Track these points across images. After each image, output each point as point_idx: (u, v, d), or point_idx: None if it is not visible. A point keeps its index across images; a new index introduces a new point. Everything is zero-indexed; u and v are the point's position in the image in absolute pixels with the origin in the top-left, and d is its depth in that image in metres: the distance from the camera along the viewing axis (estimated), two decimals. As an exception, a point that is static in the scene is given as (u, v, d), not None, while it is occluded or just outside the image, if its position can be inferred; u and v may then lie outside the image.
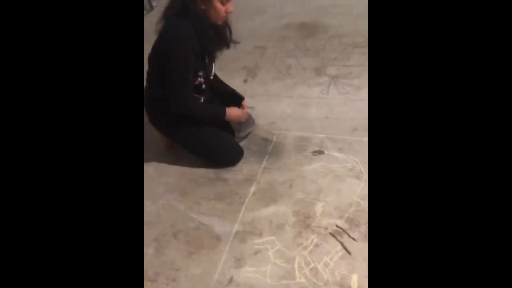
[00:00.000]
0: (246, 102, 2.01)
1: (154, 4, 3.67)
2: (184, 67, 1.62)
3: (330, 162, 1.83)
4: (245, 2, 3.46)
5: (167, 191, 1.82)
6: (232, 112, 1.84)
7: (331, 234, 1.49)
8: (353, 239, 1.46)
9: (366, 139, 1.93)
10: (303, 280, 1.36)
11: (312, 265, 1.40)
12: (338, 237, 1.47)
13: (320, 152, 1.89)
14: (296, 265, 1.41)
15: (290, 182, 1.76)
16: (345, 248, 1.43)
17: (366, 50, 2.69)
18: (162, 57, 1.65)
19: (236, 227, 1.60)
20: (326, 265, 1.39)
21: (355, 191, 1.66)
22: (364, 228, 1.49)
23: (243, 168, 1.88)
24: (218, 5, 1.55)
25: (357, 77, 2.43)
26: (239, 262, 1.46)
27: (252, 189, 1.76)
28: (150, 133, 2.02)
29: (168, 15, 1.62)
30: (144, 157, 1.86)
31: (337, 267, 1.37)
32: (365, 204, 1.59)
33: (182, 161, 1.94)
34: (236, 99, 1.99)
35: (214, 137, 1.86)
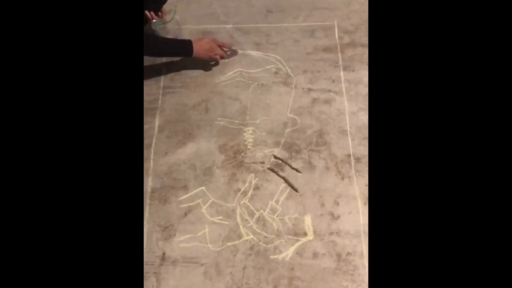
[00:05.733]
0: None
1: None
2: None
3: (249, 66, 1.43)
4: None
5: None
6: (203, 45, 1.36)
7: (270, 169, 1.24)
8: (297, 170, 1.23)
9: (285, 24, 1.52)
10: (251, 236, 1.14)
11: (257, 214, 1.17)
12: (280, 172, 1.23)
13: (233, 52, 1.45)
14: (239, 219, 1.17)
15: (204, 104, 1.36)
16: (290, 184, 1.21)
17: None
18: None
19: (150, 183, 1.22)
20: (273, 211, 1.17)
21: (287, 103, 1.35)
22: (306, 154, 1.26)
23: (136, 92, 1.38)
24: None
25: None
26: (167, 231, 1.15)
27: (157, 123, 1.33)
28: None
29: None
30: None
31: (286, 211, 1.17)
32: (300, 111, 1.31)
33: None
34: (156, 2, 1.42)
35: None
